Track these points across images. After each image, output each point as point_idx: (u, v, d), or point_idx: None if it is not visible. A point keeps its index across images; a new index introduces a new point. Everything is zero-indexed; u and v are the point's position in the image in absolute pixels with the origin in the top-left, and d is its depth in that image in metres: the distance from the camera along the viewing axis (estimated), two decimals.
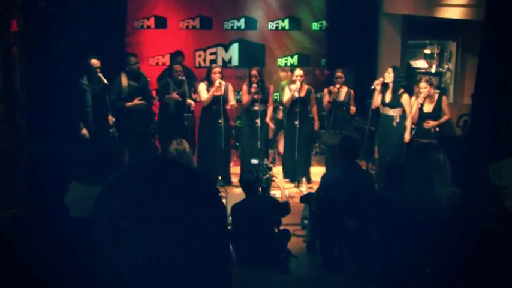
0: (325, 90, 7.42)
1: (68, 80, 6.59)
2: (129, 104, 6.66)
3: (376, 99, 6.72)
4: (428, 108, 6.41)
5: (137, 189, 0.81)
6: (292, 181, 7.40)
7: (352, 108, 7.23)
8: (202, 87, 7.01)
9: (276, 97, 8.58)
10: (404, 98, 6.61)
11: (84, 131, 6.38)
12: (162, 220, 0.79)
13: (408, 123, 6.49)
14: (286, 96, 7.20)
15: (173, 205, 0.81)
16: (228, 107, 7.03)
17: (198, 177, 0.88)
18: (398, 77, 6.65)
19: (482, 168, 3.21)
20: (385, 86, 6.69)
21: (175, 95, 6.92)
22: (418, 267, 2.79)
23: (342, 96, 7.20)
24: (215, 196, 0.89)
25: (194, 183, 0.86)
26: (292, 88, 7.12)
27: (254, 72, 7.05)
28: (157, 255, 0.77)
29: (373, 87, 6.67)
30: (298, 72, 7.14)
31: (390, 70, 6.69)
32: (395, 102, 6.63)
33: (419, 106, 6.35)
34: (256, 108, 7.07)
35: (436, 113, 6.40)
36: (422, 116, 6.41)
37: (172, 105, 7.01)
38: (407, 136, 6.49)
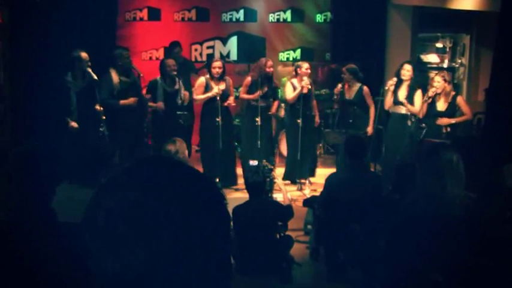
0: (339, 86, 7.35)
1: (56, 76, 6.57)
2: (123, 102, 6.61)
3: (389, 100, 6.70)
4: (442, 106, 6.39)
5: (134, 190, 0.82)
6: (293, 183, 7.37)
7: (372, 111, 6.96)
8: (200, 82, 6.98)
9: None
10: (417, 95, 6.59)
11: (73, 124, 6.32)
12: (159, 223, 0.80)
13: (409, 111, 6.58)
14: (291, 92, 7.12)
15: (172, 208, 0.81)
16: (225, 104, 7.00)
17: (200, 179, 0.88)
18: (417, 75, 6.64)
19: (497, 170, 3.21)
20: (398, 83, 6.66)
21: (159, 105, 6.77)
22: (428, 275, 2.79)
23: (352, 94, 7.10)
24: (218, 201, 0.89)
25: (196, 186, 0.86)
26: (295, 83, 7.09)
27: (271, 62, 7.09)
28: (151, 259, 0.78)
29: (387, 88, 6.62)
30: (306, 65, 7.13)
31: (409, 67, 6.60)
32: (411, 100, 6.62)
33: (430, 101, 6.32)
34: (260, 103, 7.02)
35: (450, 112, 6.37)
36: (434, 114, 6.38)
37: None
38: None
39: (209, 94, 6.80)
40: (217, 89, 6.73)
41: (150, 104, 6.87)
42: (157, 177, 0.84)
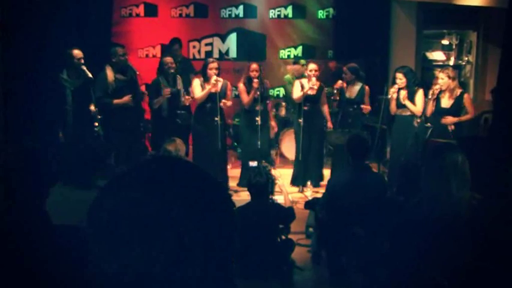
0: (339, 82, 7.37)
1: (50, 74, 6.57)
2: (117, 101, 6.60)
3: (394, 106, 6.76)
4: (446, 103, 6.41)
5: (138, 190, 0.83)
6: (299, 185, 7.39)
7: (366, 107, 7.09)
8: (196, 83, 6.99)
9: (277, 92, 8.60)
10: (419, 95, 6.64)
11: (61, 135, 6.37)
12: (162, 223, 0.81)
13: (409, 106, 6.63)
14: (298, 92, 7.14)
15: (175, 208, 0.82)
16: (221, 104, 7.00)
17: (205, 180, 0.89)
18: (410, 79, 6.67)
19: (505, 171, 3.22)
20: (399, 89, 6.72)
21: (167, 92, 6.84)
22: (434, 279, 2.80)
23: (353, 93, 7.16)
24: (223, 201, 0.90)
25: (201, 186, 0.87)
26: (304, 84, 7.11)
27: (255, 66, 7.06)
28: (153, 259, 0.79)
29: (389, 96, 6.66)
30: (312, 66, 7.13)
31: (401, 76, 6.66)
32: (413, 101, 6.66)
33: (435, 98, 6.34)
34: (256, 108, 7.06)
35: (455, 110, 6.39)
36: (439, 111, 6.40)
37: (165, 106, 6.92)
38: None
39: (209, 86, 6.76)
40: (214, 79, 6.70)
41: (155, 101, 6.86)
42: (160, 177, 0.86)
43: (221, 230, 0.86)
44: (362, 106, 7.08)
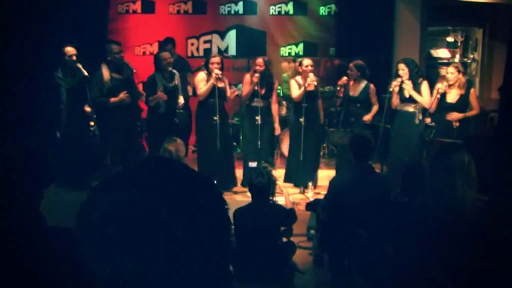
0: (344, 78, 7.37)
1: (44, 72, 6.57)
2: (113, 99, 6.56)
3: (396, 100, 6.74)
4: (453, 98, 6.38)
5: (130, 191, 0.83)
6: (296, 186, 7.39)
7: (374, 108, 7.07)
8: (201, 77, 6.95)
9: (278, 91, 8.59)
10: (424, 87, 6.62)
11: (57, 134, 6.38)
12: (155, 224, 0.81)
13: (418, 99, 6.58)
14: (296, 90, 7.15)
15: (168, 208, 0.82)
16: (228, 95, 6.98)
17: (197, 180, 0.89)
18: (412, 69, 6.65)
19: (510, 171, 3.22)
20: (401, 82, 6.70)
21: (160, 94, 6.77)
22: (438, 282, 2.80)
23: (357, 91, 7.14)
24: (216, 201, 0.90)
25: (194, 186, 0.88)
26: (299, 81, 7.12)
27: (260, 60, 7.07)
28: (147, 260, 0.79)
29: (391, 89, 6.65)
30: (308, 62, 7.14)
31: (403, 66, 6.65)
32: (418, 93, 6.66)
33: (440, 94, 6.33)
34: (256, 104, 7.07)
35: (461, 105, 6.37)
36: (444, 107, 6.38)
37: (162, 104, 6.90)
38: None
39: (211, 81, 6.76)
40: (215, 73, 6.70)
41: (151, 98, 6.84)
42: (153, 178, 0.86)
43: (216, 229, 0.86)
44: (364, 118, 7.02)
